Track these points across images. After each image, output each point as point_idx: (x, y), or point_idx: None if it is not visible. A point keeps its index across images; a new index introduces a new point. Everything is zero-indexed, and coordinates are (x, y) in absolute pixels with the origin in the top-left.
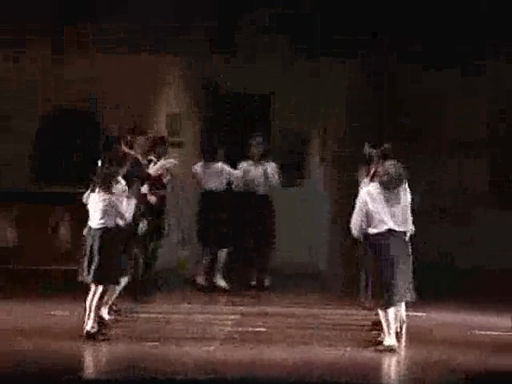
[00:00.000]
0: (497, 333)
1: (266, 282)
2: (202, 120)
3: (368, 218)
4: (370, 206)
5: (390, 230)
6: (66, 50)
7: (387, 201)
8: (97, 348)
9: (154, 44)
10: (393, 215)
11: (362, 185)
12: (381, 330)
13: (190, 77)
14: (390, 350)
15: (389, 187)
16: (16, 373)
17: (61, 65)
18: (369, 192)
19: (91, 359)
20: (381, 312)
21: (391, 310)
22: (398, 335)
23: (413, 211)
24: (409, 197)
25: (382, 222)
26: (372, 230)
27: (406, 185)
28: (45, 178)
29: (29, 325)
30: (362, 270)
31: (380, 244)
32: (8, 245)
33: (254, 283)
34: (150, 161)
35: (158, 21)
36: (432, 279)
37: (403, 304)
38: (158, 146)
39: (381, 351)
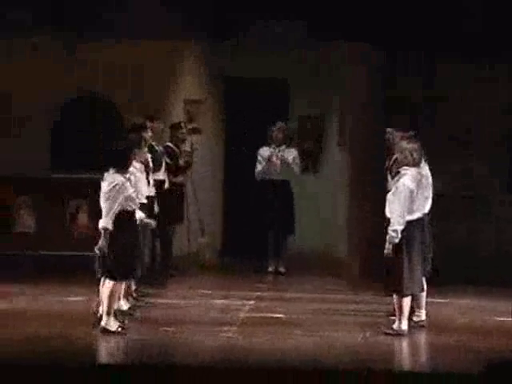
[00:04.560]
0: None
1: (283, 268)
2: (220, 107)
3: (409, 205)
4: (414, 194)
5: (419, 218)
6: (83, 37)
7: (422, 185)
8: (113, 333)
9: (171, 31)
10: (426, 200)
11: (402, 171)
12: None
13: (207, 64)
14: (399, 334)
15: (411, 164)
16: (32, 357)
17: (79, 52)
18: (412, 179)
19: (107, 344)
20: (396, 298)
21: (408, 297)
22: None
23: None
24: (429, 173)
25: (418, 208)
26: (407, 218)
27: (426, 165)
28: (64, 165)
29: (44, 309)
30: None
31: (411, 231)
32: (27, 231)
33: (271, 269)
34: (166, 147)
35: (174, 7)
36: (454, 266)
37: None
38: (177, 133)
39: (390, 335)
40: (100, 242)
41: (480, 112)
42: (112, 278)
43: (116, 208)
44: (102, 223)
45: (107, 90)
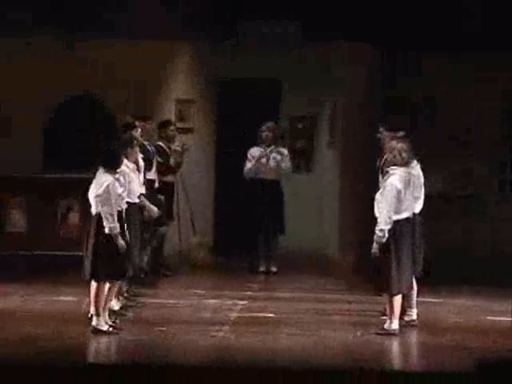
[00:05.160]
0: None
1: (275, 268)
2: (212, 107)
3: (397, 205)
4: (402, 193)
5: (408, 217)
6: (76, 37)
7: (411, 185)
8: (104, 333)
9: (164, 31)
10: (415, 200)
11: (391, 171)
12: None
13: (199, 64)
14: (391, 333)
15: (400, 163)
16: (24, 358)
17: (76, 51)
18: (400, 179)
19: (99, 344)
20: (387, 297)
21: (398, 297)
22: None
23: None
24: (421, 173)
25: (407, 208)
26: (395, 217)
27: (418, 164)
28: (56, 165)
29: (37, 309)
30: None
31: (399, 231)
32: (18, 230)
33: (262, 269)
34: (157, 146)
35: (169, 8)
36: (447, 265)
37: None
38: (166, 131)
39: (382, 334)
40: (120, 243)
41: (480, 112)
42: (98, 278)
43: (115, 208)
44: (108, 229)
45: (100, 89)
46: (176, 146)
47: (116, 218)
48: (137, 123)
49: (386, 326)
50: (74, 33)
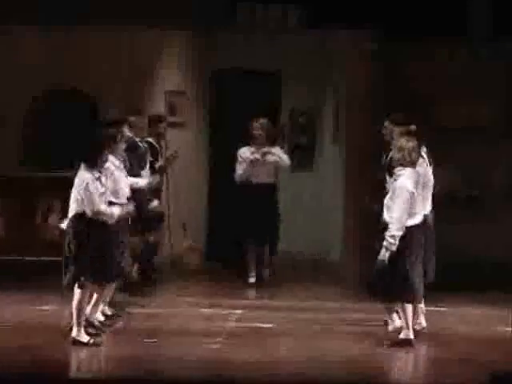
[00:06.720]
0: None
1: (270, 276)
2: (206, 100)
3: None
4: (414, 195)
5: (420, 222)
6: (61, 27)
7: (420, 186)
8: (85, 345)
9: (156, 19)
10: (425, 201)
11: (398, 172)
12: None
13: (192, 54)
14: (407, 343)
15: (405, 164)
16: (3, 371)
17: (56, 43)
18: (410, 180)
19: (86, 357)
20: (400, 306)
21: (410, 305)
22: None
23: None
24: (429, 171)
25: (418, 212)
26: (408, 222)
27: (427, 164)
28: (35, 163)
29: (16, 319)
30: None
31: (411, 236)
32: None
33: (253, 278)
34: (148, 142)
35: None
36: (453, 273)
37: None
38: (156, 127)
39: (398, 344)
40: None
41: (477, 111)
42: (81, 282)
43: (101, 203)
44: (109, 220)
45: (84, 82)
46: (167, 154)
47: (106, 209)
48: (128, 118)
49: (401, 336)
50: (65, 20)
